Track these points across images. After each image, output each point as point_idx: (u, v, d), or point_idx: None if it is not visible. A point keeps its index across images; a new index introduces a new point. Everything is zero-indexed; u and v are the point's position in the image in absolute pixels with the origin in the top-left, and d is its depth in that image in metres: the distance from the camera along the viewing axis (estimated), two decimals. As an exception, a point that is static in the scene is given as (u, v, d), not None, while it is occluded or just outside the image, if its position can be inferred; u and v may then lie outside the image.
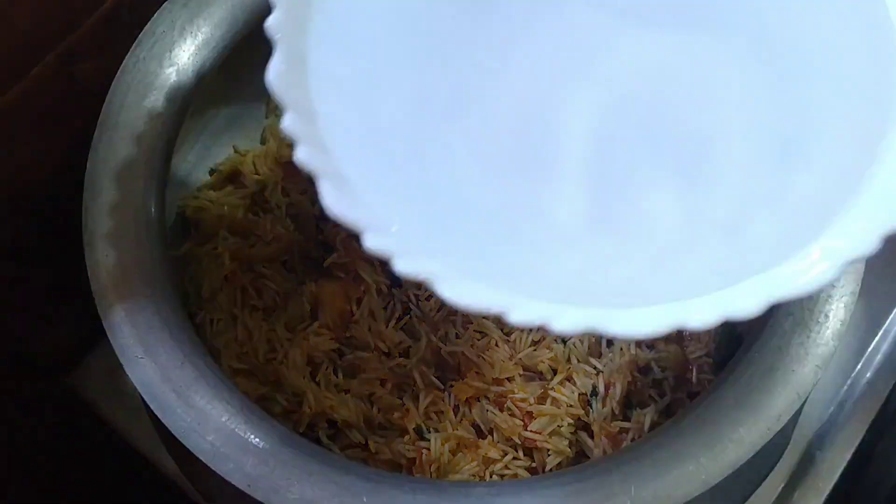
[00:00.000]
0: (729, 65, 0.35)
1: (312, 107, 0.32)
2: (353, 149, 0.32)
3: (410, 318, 0.44)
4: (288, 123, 0.30)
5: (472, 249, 0.31)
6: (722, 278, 0.29)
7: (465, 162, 0.33)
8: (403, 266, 0.28)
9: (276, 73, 0.31)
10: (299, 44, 0.33)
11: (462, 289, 0.28)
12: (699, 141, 0.33)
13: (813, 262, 0.29)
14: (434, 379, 0.42)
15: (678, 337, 0.43)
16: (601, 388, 0.42)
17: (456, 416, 0.41)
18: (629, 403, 0.42)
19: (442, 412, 0.41)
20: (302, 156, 0.30)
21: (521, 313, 0.28)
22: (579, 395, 0.42)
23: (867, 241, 0.28)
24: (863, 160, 0.31)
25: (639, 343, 0.43)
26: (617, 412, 0.41)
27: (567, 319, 0.28)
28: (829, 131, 0.32)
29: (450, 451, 0.40)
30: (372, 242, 0.28)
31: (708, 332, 0.43)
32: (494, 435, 0.41)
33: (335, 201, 0.29)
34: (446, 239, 0.31)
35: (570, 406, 0.41)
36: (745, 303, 0.28)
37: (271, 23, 0.32)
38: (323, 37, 0.34)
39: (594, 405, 0.41)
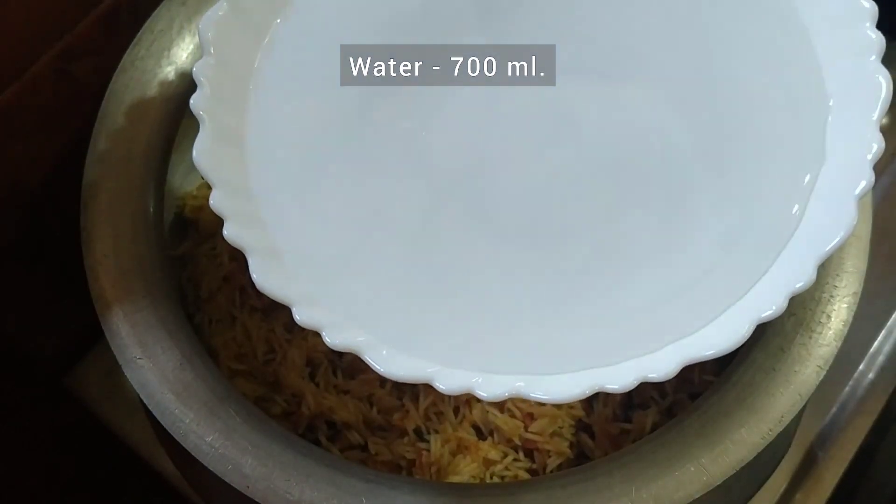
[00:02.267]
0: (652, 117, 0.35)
1: (246, 182, 0.33)
2: (287, 223, 0.33)
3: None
4: (215, 201, 0.30)
5: (400, 320, 0.31)
6: (641, 346, 0.30)
7: (394, 235, 0.34)
8: (333, 338, 0.29)
9: (200, 150, 0.32)
10: (233, 121, 0.33)
11: (390, 360, 0.29)
12: (623, 211, 0.34)
13: (727, 324, 0.30)
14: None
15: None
16: (602, 389, 0.41)
17: (456, 418, 0.40)
18: (630, 404, 0.41)
19: (442, 413, 0.41)
20: (229, 233, 0.30)
21: (447, 382, 0.29)
22: (580, 395, 0.41)
23: (777, 303, 0.29)
24: (783, 231, 0.31)
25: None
26: (618, 413, 0.41)
27: (492, 387, 0.29)
28: (754, 202, 0.33)
29: (450, 452, 0.40)
30: (301, 316, 0.29)
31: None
32: (495, 436, 0.40)
33: (264, 278, 0.30)
34: (376, 311, 0.32)
35: (571, 407, 0.41)
36: (661, 366, 0.29)
37: (196, 100, 0.32)
38: (260, 114, 0.34)
39: (595, 406, 0.41)
